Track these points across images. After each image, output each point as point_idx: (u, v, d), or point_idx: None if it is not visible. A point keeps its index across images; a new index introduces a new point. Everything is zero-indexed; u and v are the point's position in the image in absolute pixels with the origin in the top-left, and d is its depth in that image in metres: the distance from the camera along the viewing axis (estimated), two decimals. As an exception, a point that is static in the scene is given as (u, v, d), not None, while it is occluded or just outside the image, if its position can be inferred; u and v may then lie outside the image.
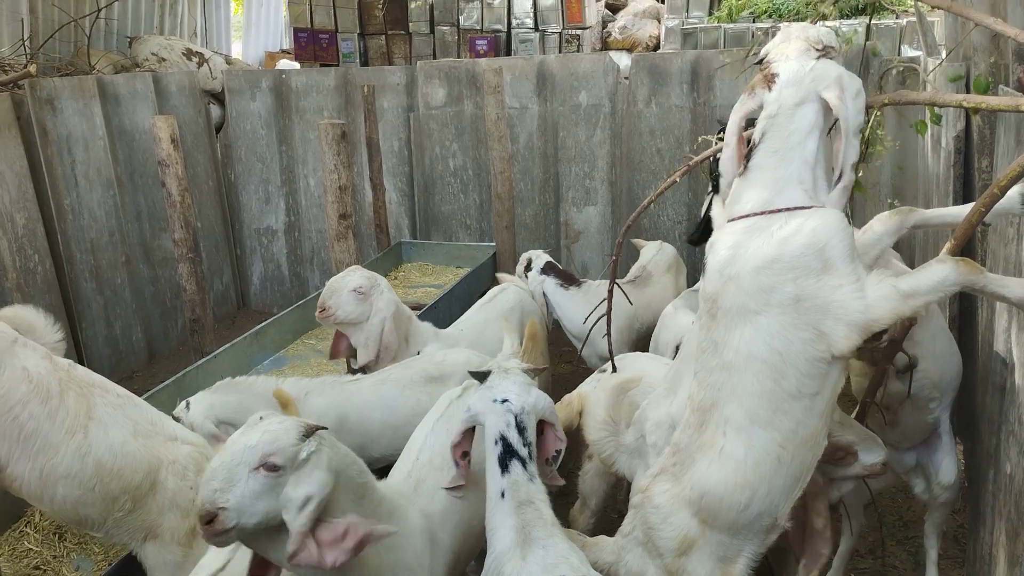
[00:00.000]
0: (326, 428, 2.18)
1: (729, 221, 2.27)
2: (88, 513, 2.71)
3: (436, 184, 7.15)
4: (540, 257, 5.09)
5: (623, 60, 7.09)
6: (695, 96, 6.29)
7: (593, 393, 3.25)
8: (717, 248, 2.27)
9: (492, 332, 4.27)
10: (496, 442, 2.34)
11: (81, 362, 6.10)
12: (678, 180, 2.93)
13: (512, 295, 4.54)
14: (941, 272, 2.05)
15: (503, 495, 2.29)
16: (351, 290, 3.79)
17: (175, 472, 2.80)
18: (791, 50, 2.24)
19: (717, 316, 2.24)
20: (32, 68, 6.05)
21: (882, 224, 2.56)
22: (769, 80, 2.22)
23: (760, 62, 2.34)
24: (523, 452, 2.33)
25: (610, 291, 3.30)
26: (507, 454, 2.32)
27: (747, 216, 2.20)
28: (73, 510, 2.70)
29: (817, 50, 2.22)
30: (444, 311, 4.99)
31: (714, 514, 2.27)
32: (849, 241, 2.11)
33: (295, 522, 2.00)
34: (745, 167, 2.25)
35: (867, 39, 8.23)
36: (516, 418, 2.36)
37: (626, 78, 6.56)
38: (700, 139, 3.71)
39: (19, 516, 3.38)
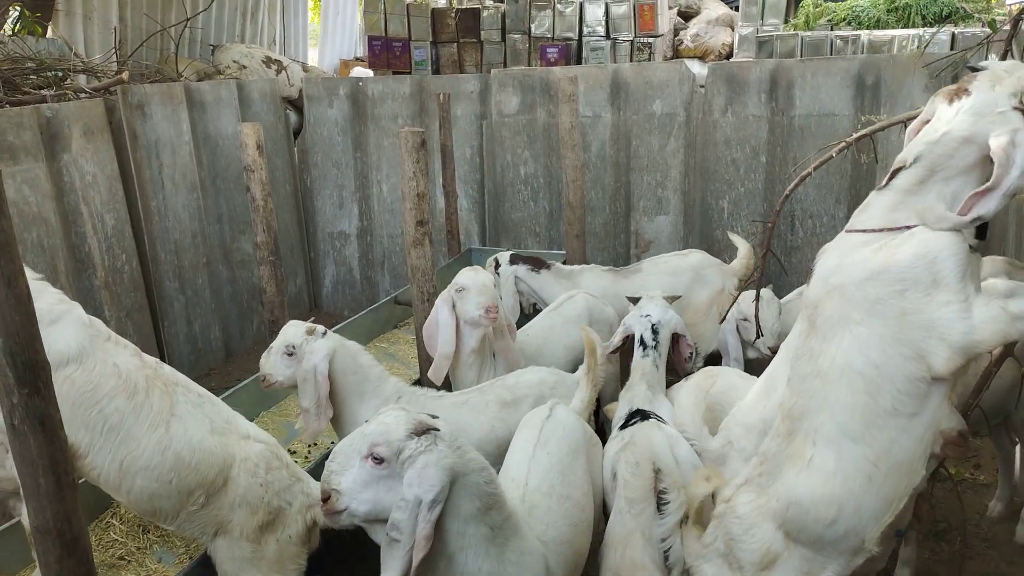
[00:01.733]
0: (439, 430, 2.16)
1: (848, 232, 2.23)
2: (163, 505, 2.80)
3: (507, 191, 7.19)
4: (504, 253, 5.40)
5: (699, 68, 7.02)
6: (773, 106, 6.17)
7: (676, 397, 3.23)
8: (828, 255, 2.24)
9: (557, 337, 4.37)
10: (639, 341, 3.54)
11: (162, 358, 6.37)
12: (835, 155, 2.92)
13: (580, 302, 4.54)
14: None
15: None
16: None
17: (247, 469, 2.87)
18: (1001, 84, 2.08)
19: (817, 323, 2.20)
20: (125, 75, 6.33)
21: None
22: (958, 94, 2.10)
23: (969, 70, 2.23)
24: (651, 346, 3.52)
25: (763, 259, 3.28)
26: (643, 347, 3.53)
27: (868, 231, 2.16)
28: (149, 502, 2.79)
29: (1020, 101, 2.06)
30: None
31: (799, 527, 2.22)
32: (963, 258, 2.04)
33: (418, 526, 2.00)
34: (887, 183, 2.20)
35: (952, 48, 7.98)
36: (652, 326, 3.57)
37: (702, 86, 6.49)
38: (864, 118, 3.78)
39: (106, 507, 3.49)
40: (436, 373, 3.73)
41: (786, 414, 2.28)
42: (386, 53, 10.24)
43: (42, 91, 5.92)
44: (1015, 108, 2.03)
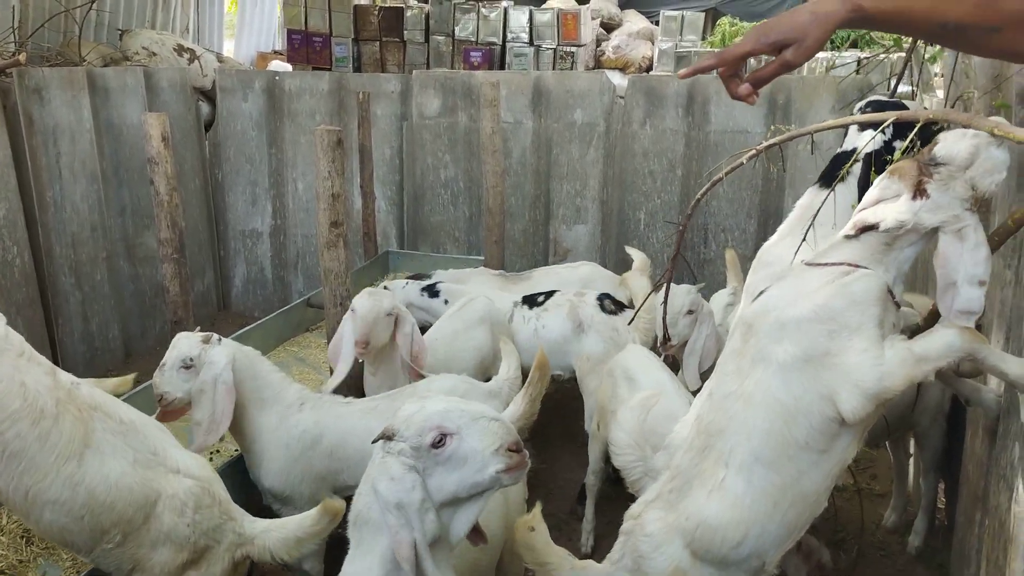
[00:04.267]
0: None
1: (808, 264, 2.26)
2: (75, 540, 2.59)
3: (426, 195, 7.11)
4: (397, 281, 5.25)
5: (619, 80, 7.12)
6: (690, 120, 6.31)
7: (617, 413, 3.20)
8: (783, 285, 2.26)
9: (462, 342, 4.29)
10: None
11: (55, 357, 6.03)
12: (744, 162, 2.92)
13: (481, 306, 4.44)
14: (947, 337, 2.04)
15: None
16: (385, 315, 3.66)
17: (173, 507, 2.65)
18: (954, 188, 2.07)
19: (749, 344, 2.23)
20: (22, 57, 5.95)
21: None
22: (920, 192, 2.10)
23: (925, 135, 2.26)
24: None
25: (672, 262, 3.26)
26: None
27: (829, 264, 2.19)
28: (59, 535, 2.58)
29: (969, 192, 2.08)
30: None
31: (707, 547, 2.24)
32: (882, 302, 2.11)
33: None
34: (855, 234, 2.20)
35: (857, 72, 8.33)
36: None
37: (621, 97, 6.57)
38: (773, 127, 3.81)
39: (-16, 519, 3.27)
40: (330, 386, 3.73)
41: (703, 429, 2.30)
42: (306, 48, 9.99)
43: (-72, 69, 5.52)
44: (966, 210, 2.07)
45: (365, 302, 3.66)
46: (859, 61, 8.71)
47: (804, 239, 2.77)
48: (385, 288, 4.99)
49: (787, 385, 2.14)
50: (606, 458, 4.04)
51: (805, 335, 2.12)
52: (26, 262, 5.71)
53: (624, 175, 6.55)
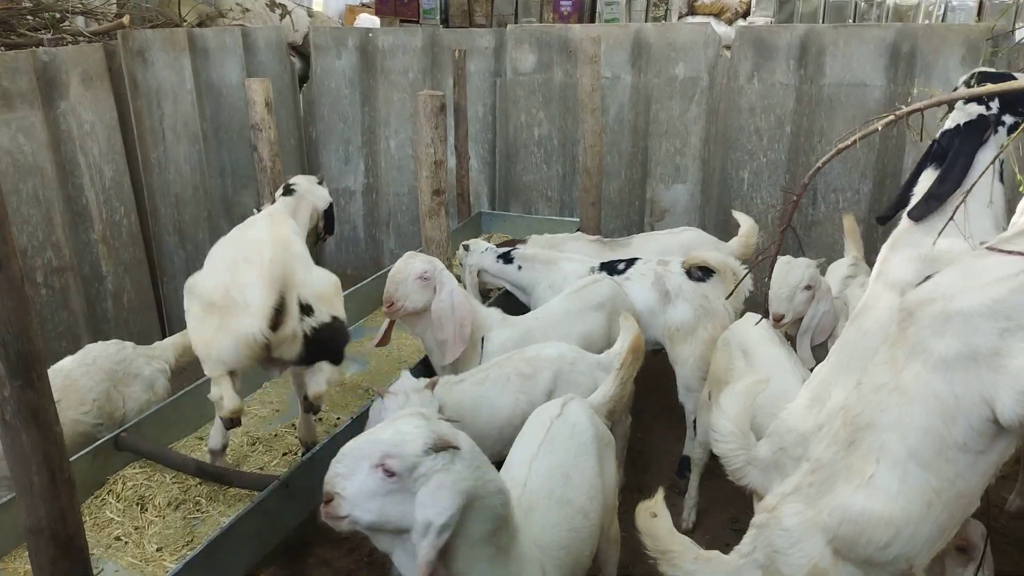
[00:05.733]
0: (460, 448, 1.99)
1: (988, 248, 2.05)
2: None
3: (519, 153, 6.95)
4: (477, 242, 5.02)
5: (723, 30, 6.74)
6: (802, 73, 5.91)
7: (720, 398, 3.05)
8: (953, 270, 2.06)
9: (571, 324, 3.97)
10: None
11: (160, 315, 6.22)
12: (880, 128, 2.69)
13: (604, 290, 4.20)
14: None
15: None
16: (416, 277, 3.61)
17: None
18: None
19: (908, 333, 2.05)
20: (125, 19, 6.04)
21: None
22: None
23: None
24: None
25: (783, 233, 3.07)
26: None
27: (1014, 253, 1.99)
28: None
29: None
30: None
31: (851, 545, 2.11)
32: None
33: (420, 549, 1.87)
34: None
35: (978, 17, 7.66)
36: None
37: (727, 48, 6.21)
38: (915, 90, 3.53)
39: (101, 483, 3.36)
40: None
41: (849, 421, 2.14)
42: (394, 0, 9.87)
43: (39, 33, 5.64)
44: None
45: (398, 263, 3.70)
46: (981, 3, 8.02)
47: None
48: (465, 247, 4.92)
49: (948, 382, 1.97)
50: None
51: (973, 330, 1.93)
52: (133, 223, 5.87)
53: (728, 132, 6.23)
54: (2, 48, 5.19)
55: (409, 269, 3.62)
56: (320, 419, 3.94)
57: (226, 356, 2.94)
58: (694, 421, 4.26)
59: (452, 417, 2.57)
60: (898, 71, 5.64)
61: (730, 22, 9.77)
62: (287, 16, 8.72)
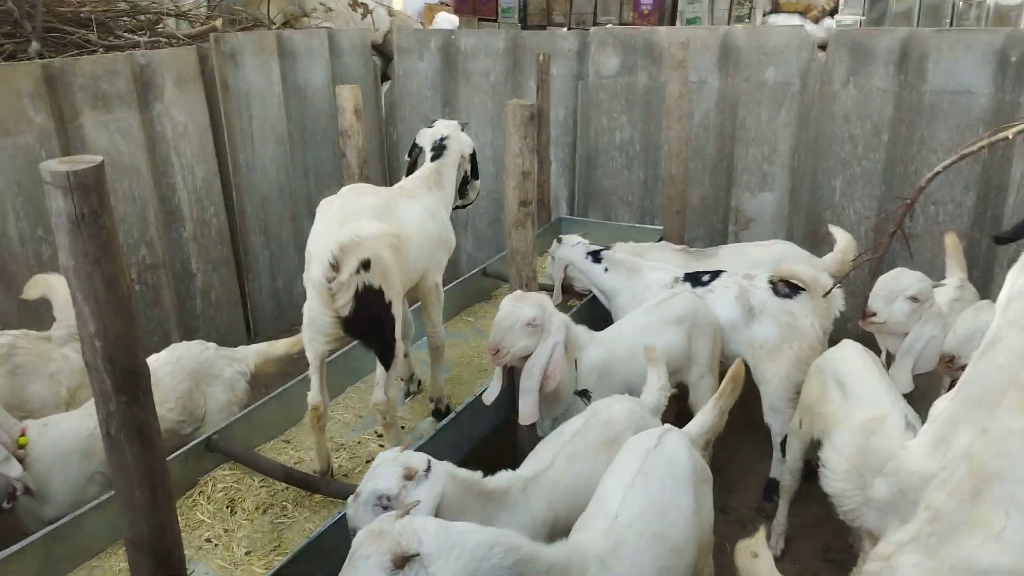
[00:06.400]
0: (422, 552, 1.95)
1: None
2: None
3: (600, 157, 6.85)
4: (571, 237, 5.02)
5: (815, 30, 6.49)
6: (902, 79, 5.64)
7: (834, 435, 2.90)
8: None
9: (652, 339, 3.79)
10: None
11: (245, 312, 6.35)
12: (1010, 137, 2.50)
13: (684, 304, 4.06)
14: None
15: None
16: (525, 324, 3.38)
17: None
18: None
19: None
20: (218, 22, 6.17)
21: None
22: None
23: None
24: None
25: (890, 237, 2.95)
26: None
27: None
28: None
29: None
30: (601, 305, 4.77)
31: None
32: None
33: None
34: None
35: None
36: None
37: (822, 48, 5.97)
38: None
39: (193, 483, 3.44)
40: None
41: (974, 470, 1.99)
42: (474, -1, 9.87)
43: (135, 35, 5.81)
44: None
45: (505, 306, 3.45)
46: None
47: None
48: (558, 240, 4.91)
49: None
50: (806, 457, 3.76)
51: None
52: (222, 222, 6.01)
53: (820, 139, 6.00)
54: (101, 50, 5.37)
55: (517, 315, 3.38)
56: (403, 427, 3.95)
57: (310, 304, 3.26)
58: (781, 443, 4.12)
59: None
60: (1006, 78, 5.32)
61: (816, 20, 9.43)
62: (368, 15, 8.81)
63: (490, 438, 3.90)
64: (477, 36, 7.18)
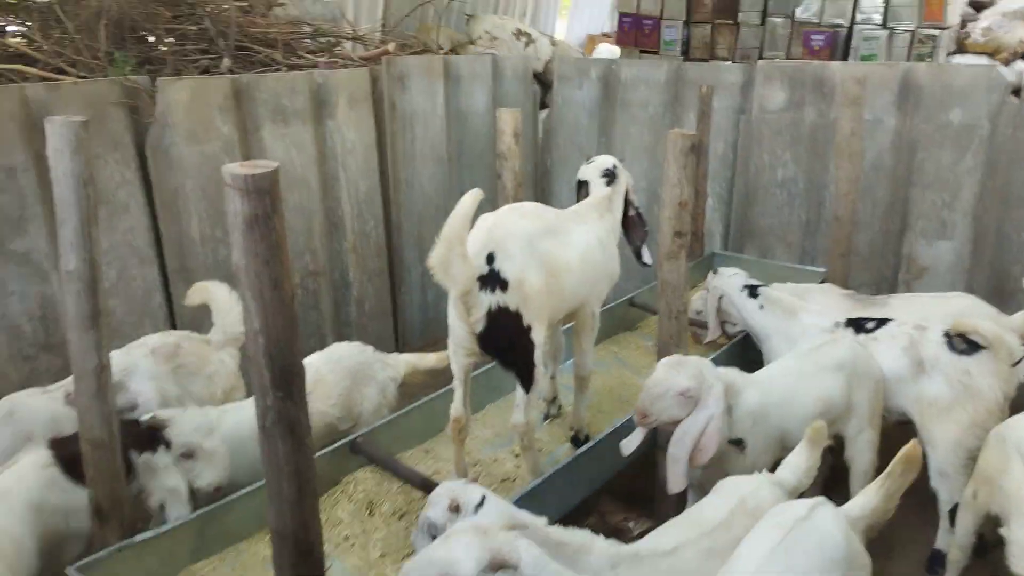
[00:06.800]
0: (519, 566, 1.90)
1: None
2: None
3: (759, 194, 6.60)
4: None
5: (1005, 72, 6.00)
6: (1113, 125, 5.10)
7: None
8: None
9: (808, 386, 3.62)
10: None
11: (395, 323, 6.56)
12: None
13: (844, 351, 3.77)
14: None
15: None
16: (677, 394, 3.22)
17: None
18: None
19: None
20: (391, 46, 6.47)
21: None
22: None
23: None
24: None
25: None
26: None
27: None
28: None
29: None
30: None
31: None
32: None
33: None
34: None
35: None
36: None
37: (1015, 94, 5.50)
38: None
39: (336, 482, 3.53)
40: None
41: None
42: (635, 31, 9.81)
43: (315, 56, 6.20)
44: None
45: (657, 373, 3.29)
46: None
47: None
48: (714, 272, 4.76)
49: None
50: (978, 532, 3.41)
51: None
52: (380, 235, 6.25)
53: (1010, 187, 5.50)
54: (284, 68, 5.76)
55: (669, 383, 3.23)
56: (540, 450, 3.91)
57: (450, 314, 3.33)
58: (949, 512, 3.75)
59: None
60: None
61: (1006, 62, 8.74)
62: (531, 44, 9.00)
63: (627, 472, 3.79)
64: (638, 66, 7.15)
